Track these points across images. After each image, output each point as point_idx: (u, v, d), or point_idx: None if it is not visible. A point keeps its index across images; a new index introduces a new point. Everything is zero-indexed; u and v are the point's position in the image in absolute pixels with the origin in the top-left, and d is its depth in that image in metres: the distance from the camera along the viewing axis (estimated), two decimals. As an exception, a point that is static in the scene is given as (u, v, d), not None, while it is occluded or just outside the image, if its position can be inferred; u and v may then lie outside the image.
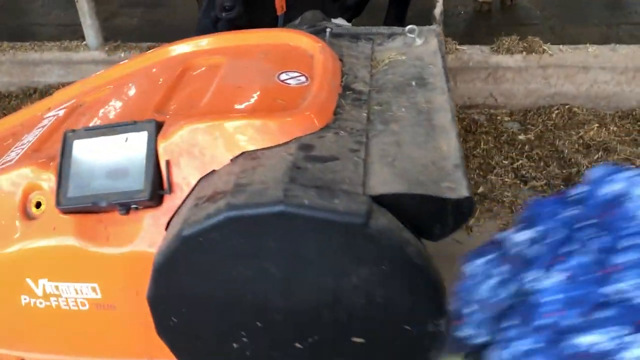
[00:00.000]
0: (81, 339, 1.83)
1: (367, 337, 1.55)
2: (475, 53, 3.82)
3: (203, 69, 2.06)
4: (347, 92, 1.87)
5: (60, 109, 2.21)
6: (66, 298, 1.74)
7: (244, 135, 1.62)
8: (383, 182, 1.50)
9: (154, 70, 2.16)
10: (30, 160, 1.79)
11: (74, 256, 1.71)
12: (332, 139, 1.64)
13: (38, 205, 1.75)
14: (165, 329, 1.58)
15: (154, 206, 1.67)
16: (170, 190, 1.65)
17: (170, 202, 1.66)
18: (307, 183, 1.46)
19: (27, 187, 1.75)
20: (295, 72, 1.91)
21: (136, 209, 1.67)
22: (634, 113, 3.66)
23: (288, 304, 1.52)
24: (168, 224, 1.65)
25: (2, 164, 1.92)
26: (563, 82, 3.81)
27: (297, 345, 1.55)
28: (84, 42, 4.56)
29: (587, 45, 3.75)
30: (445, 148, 1.63)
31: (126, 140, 1.71)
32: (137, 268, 1.69)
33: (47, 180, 1.73)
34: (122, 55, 4.53)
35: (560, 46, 3.79)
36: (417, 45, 2.11)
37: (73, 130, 1.77)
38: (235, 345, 1.57)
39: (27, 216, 1.75)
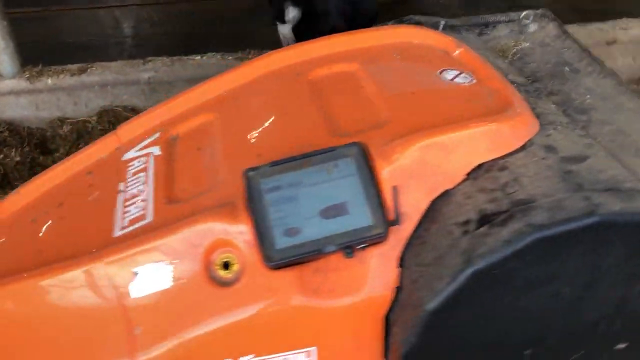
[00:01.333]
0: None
1: (631, 340, 1.46)
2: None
3: (334, 77, 1.80)
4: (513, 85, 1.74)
5: (147, 146, 1.80)
6: (274, 372, 1.42)
7: (479, 145, 1.43)
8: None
9: (265, 85, 1.85)
10: (204, 213, 1.41)
11: (291, 319, 1.39)
12: (559, 136, 1.50)
13: (226, 266, 1.40)
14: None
15: (381, 242, 1.41)
16: (399, 220, 1.41)
17: (397, 234, 1.42)
18: (592, 187, 1.32)
19: (209, 247, 1.39)
20: (454, 70, 1.74)
21: (362, 248, 1.40)
22: None
23: (568, 325, 1.38)
24: (401, 259, 1.41)
25: (129, 228, 1.51)
26: None
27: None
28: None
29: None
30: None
31: (328, 172, 1.43)
32: (366, 318, 1.42)
33: (239, 234, 1.38)
34: (49, 81, 3.93)
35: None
36: (533, 32, 2.03)
37: (253, 169, 1.43)
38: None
39: (216, 283, 1.39)
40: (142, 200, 1.58)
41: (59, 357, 1.42)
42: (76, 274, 1.41)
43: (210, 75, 1.94)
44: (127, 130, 1.90)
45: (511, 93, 1.59)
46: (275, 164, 1.44)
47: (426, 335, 1.31)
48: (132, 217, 1.54)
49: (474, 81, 1.70)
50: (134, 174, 1.71)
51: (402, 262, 1.41)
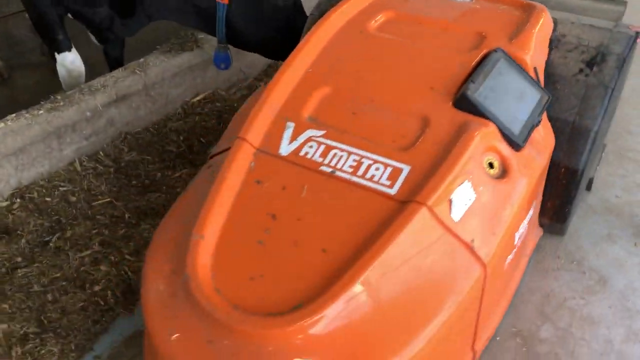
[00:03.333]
0: None
1: None
2: None
3: (393, 25, 2.15)
4: None
5: (297, 136, 1.81)
6: None
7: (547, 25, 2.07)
8: None
9: (349, 47, 2.07)
10: (467, 136, 1.69)
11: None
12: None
13: (491, 165, 1.73)
14: None
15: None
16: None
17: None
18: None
19: (481, 156, 1.71)
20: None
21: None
22: None
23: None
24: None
25: (399, 182, 1.64)
26: None
27: None
28: None
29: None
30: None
31: (501, 73, 1.87)
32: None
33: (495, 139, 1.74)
34: None
35: None
36: None
37: (465, 92, 1.77)
38: None
39: (495, 179, 1.72)
40: (374, 163, 1.71)
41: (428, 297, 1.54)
42: (413, 226, 1.54)
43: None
44: (253, 134, 1.84)
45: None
46: (472, 81, 1.80)
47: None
48: (387, 175, 1.67)
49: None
50: (323, 154, 1.76)
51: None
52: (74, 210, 2.52)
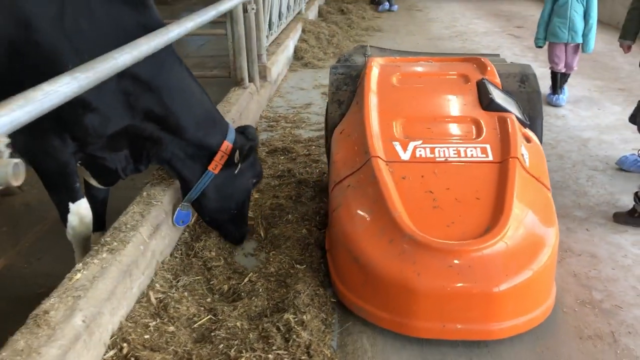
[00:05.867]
0: None
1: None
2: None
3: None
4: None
5: (401, 153, 2.72)
6: None
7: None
8: None
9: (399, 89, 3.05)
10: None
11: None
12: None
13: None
14: None
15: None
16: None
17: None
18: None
19: (518, 131, 2.82)
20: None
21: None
22: None
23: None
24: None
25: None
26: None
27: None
28: None
29: None
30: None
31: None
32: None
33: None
34: None
35: None
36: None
37: (489, 100, 2.89)
38: None
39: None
40: (467, 148, 2.69)
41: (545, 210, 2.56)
42: (516, 170, 2.57)
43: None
44: (379, 153, 2.69)
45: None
46: (490, 94, 2.94)
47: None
48: (479, 152, 2.66)
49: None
50: (431, 152, 2.69)
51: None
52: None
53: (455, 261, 2.26)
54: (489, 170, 2.61)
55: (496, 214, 2.41)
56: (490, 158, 2.66)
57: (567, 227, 3.28)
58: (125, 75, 2.14)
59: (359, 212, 2.56)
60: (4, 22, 2.26)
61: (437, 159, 2.68)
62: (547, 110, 5.07)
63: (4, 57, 2.28)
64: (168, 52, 2.60)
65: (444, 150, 2.71)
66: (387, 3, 11.14)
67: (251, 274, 2.84)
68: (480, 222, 2.40)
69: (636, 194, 3.29)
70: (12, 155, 1.48)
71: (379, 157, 2.67)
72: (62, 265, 2.59)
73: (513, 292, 2.29)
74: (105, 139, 2.61)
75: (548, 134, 4.53)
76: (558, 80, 5.45)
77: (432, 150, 2.72)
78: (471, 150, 2.70)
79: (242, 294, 2.70)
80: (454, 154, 2.69)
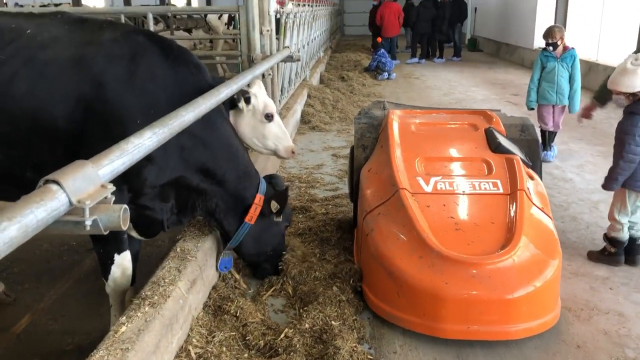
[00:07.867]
0: None
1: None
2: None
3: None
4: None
5: (425, 186, 3.19)
6: None
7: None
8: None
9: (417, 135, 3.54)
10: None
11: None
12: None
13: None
14: None
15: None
16: (512, 145, 3.72)
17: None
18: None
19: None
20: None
21: (520, 156, 3.63)
22: None
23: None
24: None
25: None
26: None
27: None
28: None
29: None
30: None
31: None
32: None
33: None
34: None
35: None
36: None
37: (496, 143, 3.38)
38: None
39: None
40: (480, 182, 3.16)
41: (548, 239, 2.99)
42: (523, 200, 3.03)
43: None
44: (406, 186, 3.15)
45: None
46: (498, 139, 3.44)
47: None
48: (491, 185, 3.13)
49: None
50: (450, 185, 3.16)
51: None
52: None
53: (476, 272, 2.68)
54: (501, 200, 3.07)
55: (509, 235, 2.85)
56: (501, 190, 3.12)
57: (590, 287, 3.38)
58: (185, 131, 2.25)
59: (391, 234, 2.99)
60: (79, 79, 2.47)
61: (456, 191, 3.14)
62: (554, 173, 5.55)
63: (77, 113, 2.47)
64: (216, 110, 2.79)
65: (461, 184, 3.18)
66: (385, 73, 11.86)
67: (287, 329, 2.86)
68: (496, 241, 2.83)
69: (605, 235, 3.72)
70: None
71: (405, 189, 3.13)
72: (85, 322, 2.87)
73: (525, 299, 2.70)
74: (158, 189, 2.74)
75: (558, 196, 4.91)
76: (547, 138, 6.04)
77: (451, 184, 3.18)
78: (484, 184, 3.17)
79: (279, 349, 2.73)
80: (470, 187, 3.16)
